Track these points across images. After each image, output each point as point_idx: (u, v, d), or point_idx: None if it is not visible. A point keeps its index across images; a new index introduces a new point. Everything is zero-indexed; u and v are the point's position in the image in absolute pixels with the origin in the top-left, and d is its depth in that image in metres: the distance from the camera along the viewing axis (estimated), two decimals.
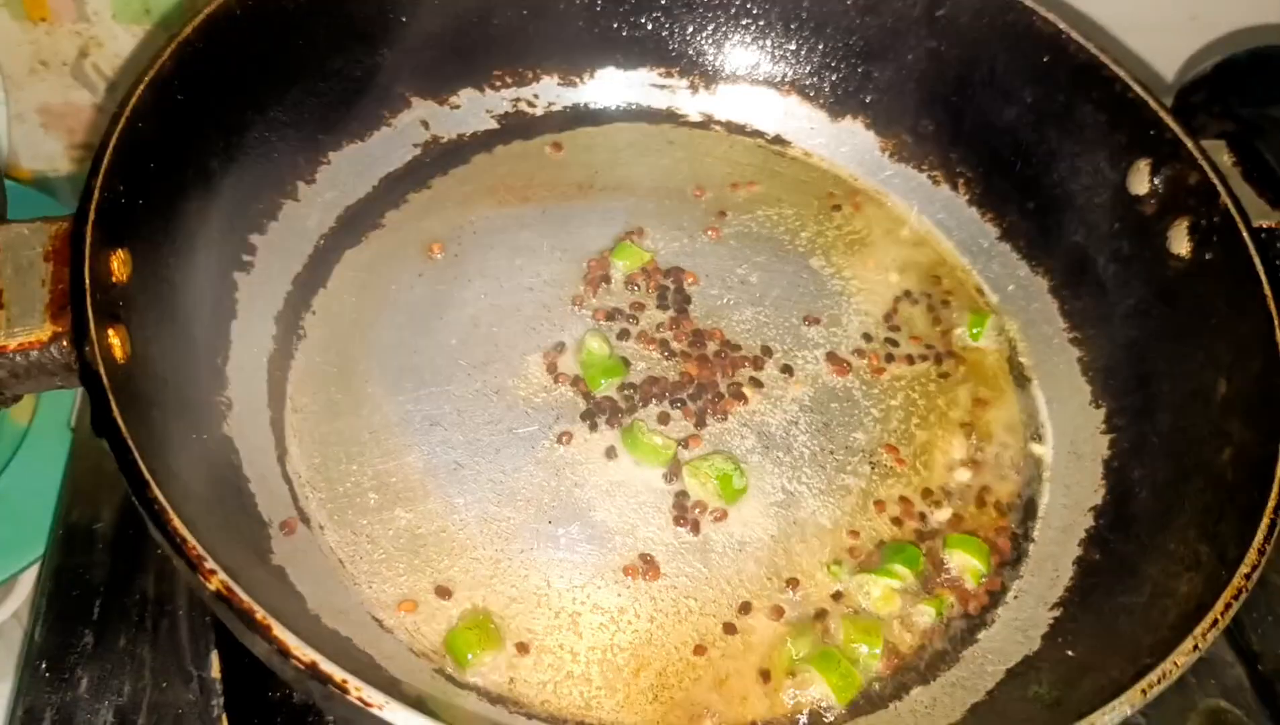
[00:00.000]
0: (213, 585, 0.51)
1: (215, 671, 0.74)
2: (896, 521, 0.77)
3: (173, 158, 0.69)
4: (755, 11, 0.95)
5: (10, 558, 0.83)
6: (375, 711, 0.48)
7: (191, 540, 0.52)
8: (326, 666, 0.49)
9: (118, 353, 0.60)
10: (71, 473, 0.82)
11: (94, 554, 0.78)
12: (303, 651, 0.49)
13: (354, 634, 0.65)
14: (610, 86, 0.97)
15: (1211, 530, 0.66)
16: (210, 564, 0.51)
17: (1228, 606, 0.58)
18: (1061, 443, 0.82)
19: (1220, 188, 0.77)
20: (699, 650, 0.69)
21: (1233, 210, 0.76)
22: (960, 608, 0.74)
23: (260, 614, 0.50)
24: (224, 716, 0.72)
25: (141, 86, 0.66)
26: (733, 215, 0.92)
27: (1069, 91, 0.86)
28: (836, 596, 0.72)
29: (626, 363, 0.80)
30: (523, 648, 0.67)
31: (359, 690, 0.49)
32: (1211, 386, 0.73)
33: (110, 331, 0.60)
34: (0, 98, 1.08)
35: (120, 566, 0.78)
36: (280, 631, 0.50)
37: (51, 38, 1.06)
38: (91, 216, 0.60)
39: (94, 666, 0.73)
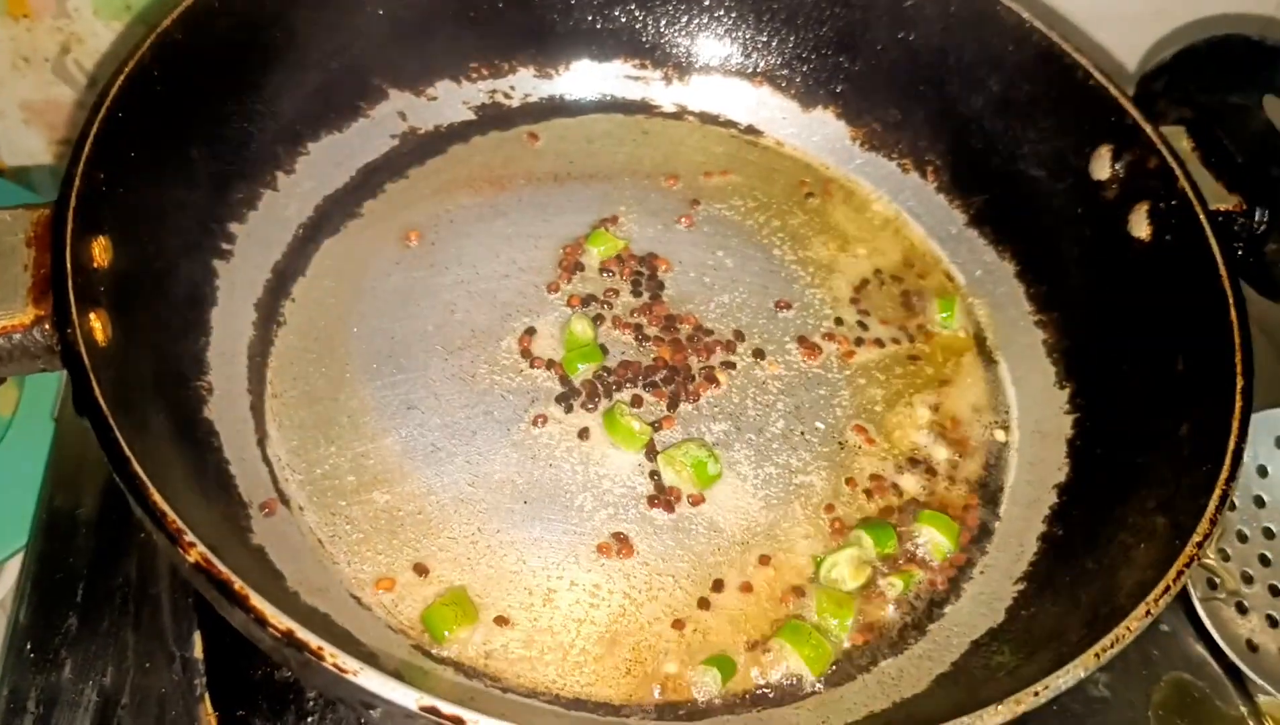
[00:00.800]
0: (192, 557, 0.52)
1: (198, 652, 0.75)
2: (869, 495, 0.78)
3: (153, 147, 0.70)
4: (727, 3, 0.97)
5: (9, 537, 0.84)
6: (350, 678, 0.50)
7: (171, 514, 0.53)
8: (302, 634, 0.51)
9: (99, 336, 0.61)
10: (55, 460, 0.83)
11: (77, 539, 0.79)
12: (279, 619, 0.51)
13: (333, 611, 0.66)
14: (585, 78, 0.98)
15: (1168, 502, 0.68)
16: (189, 537, 0.53)
17: (1180, 574, 0.60)
18: (1027, 422, 0.84)
19: (1179, 172, 0.79)
20: (677, 624, 0.70)
21: (1190, 194, 0.78)
22: (928, 583, 0.75)
23: (238, 584, 0.51)
24: (206, 696, 0.73)
25: (122, 77, 0.67)
26: (706, 203, 0.94)
27: (1032, 80, 0.88)
28: (809, 572, 0.74)
29: (604, 350, 0.82)
30: (499, 623, 0.69)
31: (334, 657, 0.50)
32: (1170, 364, 0.75)
33: (92, 315, 0.61)
34: None
35: (103, 551, 0.79)
36: (258, 600, 0.51)
37: (33, 34, 1.07)
38: (73, 203, 0.62)
39: (78, 649, 0.75)
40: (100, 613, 0.76)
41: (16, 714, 0.72)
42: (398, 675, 0.51)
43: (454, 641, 0.68)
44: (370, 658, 0.61)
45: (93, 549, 0.79)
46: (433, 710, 0.49)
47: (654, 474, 0.77)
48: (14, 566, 0.85)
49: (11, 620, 0.76)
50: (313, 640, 0.50)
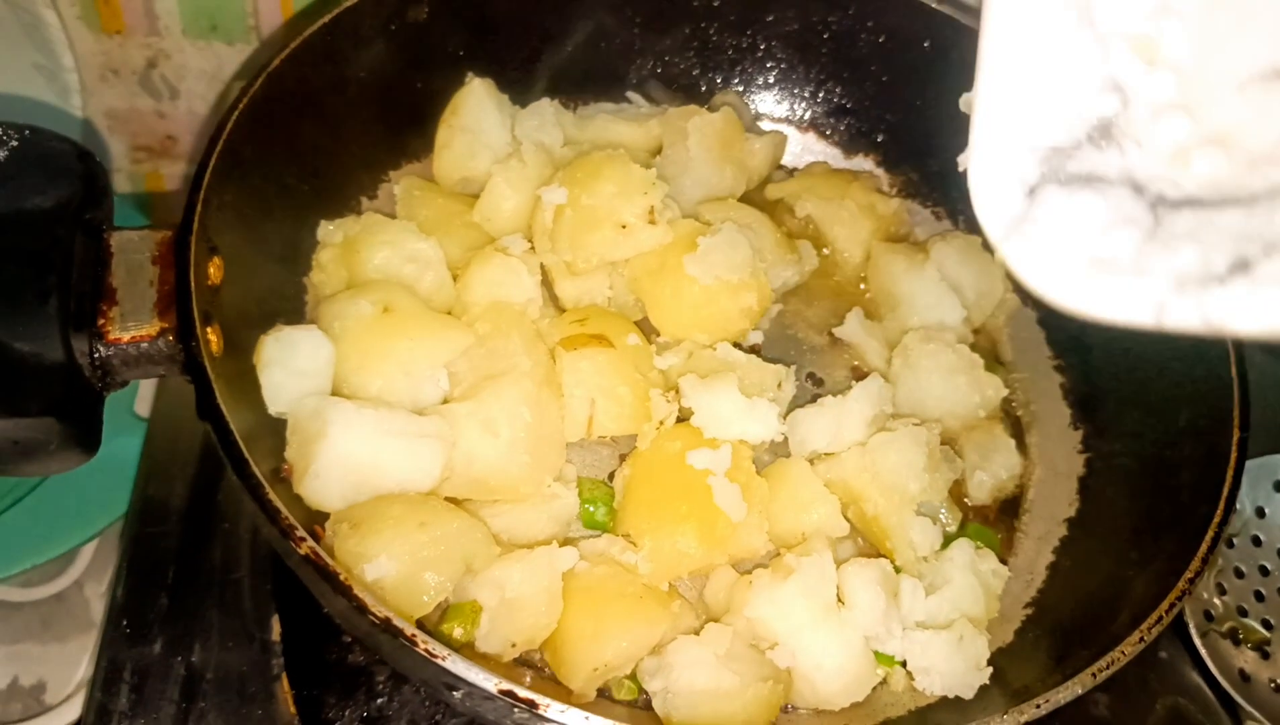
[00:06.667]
0: (302, 550, 0.59)
1: (275, 634, 0.82)
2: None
3: (260, 176, 0.78)
4: (780, 57, 1.03)
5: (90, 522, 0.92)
6: (440, 662, 0.57)
7: (284, 511, 0.60)
8: (398, 622, 0.58)
9: (214, 347, 0.68)
10: (147, 452, 0.90)
11: (168, 525, 0.86)
12: (378, 608, 0.58)
13: None
14: None
15: (1165, 540, 0.74)
16: (300, 532, 0.60)
17: (1172, 605, 0.67)
18: (1045, 461, 0.90)
19: None
20: None
21: None
22: None
23: (343, 574, 0.59)
24: (284, 675, 0.80)
25: (236, 113, 0.75)
26: None
27: None
28: None
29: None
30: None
31: (426, 643, 0.57)
32: (1175, 416, 0.81)
33: (209, 328, 0.68)
34: (76, 104, 1.16)
35: (191, 538, 0.86)
36: (360, 591, 0.58)
37: (123, 49, 1.14)
38: (195, 227, 0.69)
39: (169, 627, 0.82)
40: (188, 594, 0.83)
41: (113, 683, 0.79)
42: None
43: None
44: None
45: (181, 535, 0.86)
46: (510, 694, 0.56)
47: None
48: (89, 552, 0.93)
49: (110, 597, 0.83)
50: (406, 628, 0.58)
